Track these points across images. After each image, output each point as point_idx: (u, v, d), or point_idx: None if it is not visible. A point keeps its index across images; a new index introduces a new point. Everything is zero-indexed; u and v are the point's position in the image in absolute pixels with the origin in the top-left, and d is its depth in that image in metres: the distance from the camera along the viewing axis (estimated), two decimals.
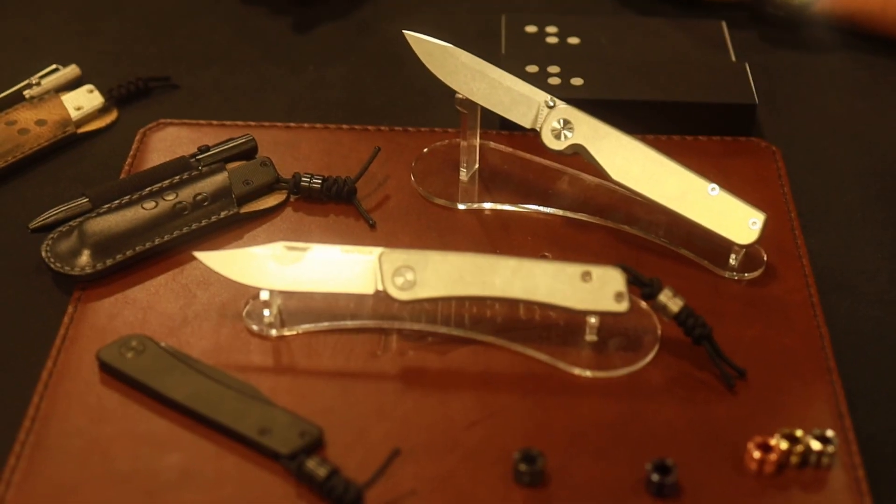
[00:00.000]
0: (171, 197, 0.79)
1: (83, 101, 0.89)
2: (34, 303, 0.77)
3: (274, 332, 0.74)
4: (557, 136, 0.79)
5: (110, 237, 0.77)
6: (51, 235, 0.77)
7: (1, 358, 0.74)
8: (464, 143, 0.83)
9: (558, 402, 0.71)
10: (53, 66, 0.91)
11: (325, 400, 0.71)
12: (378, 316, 0.74)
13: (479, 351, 0.73)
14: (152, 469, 0.67)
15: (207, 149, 0.83)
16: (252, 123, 0.90)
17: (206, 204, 0.79)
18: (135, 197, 0.79)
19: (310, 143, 0.88)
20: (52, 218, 0.79)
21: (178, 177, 0.81)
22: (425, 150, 0.87)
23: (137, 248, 0.77)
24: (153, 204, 0.79)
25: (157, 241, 0.78)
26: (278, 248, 0.73)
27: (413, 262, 0.72)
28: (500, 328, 0.74)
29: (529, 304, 0.73)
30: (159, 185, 0.80)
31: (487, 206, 0.83)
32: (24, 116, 0.87)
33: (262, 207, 0.81)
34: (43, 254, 0.76)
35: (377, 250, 0.72)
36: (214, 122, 0.90)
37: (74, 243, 0.77)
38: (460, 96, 0.81)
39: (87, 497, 0.66)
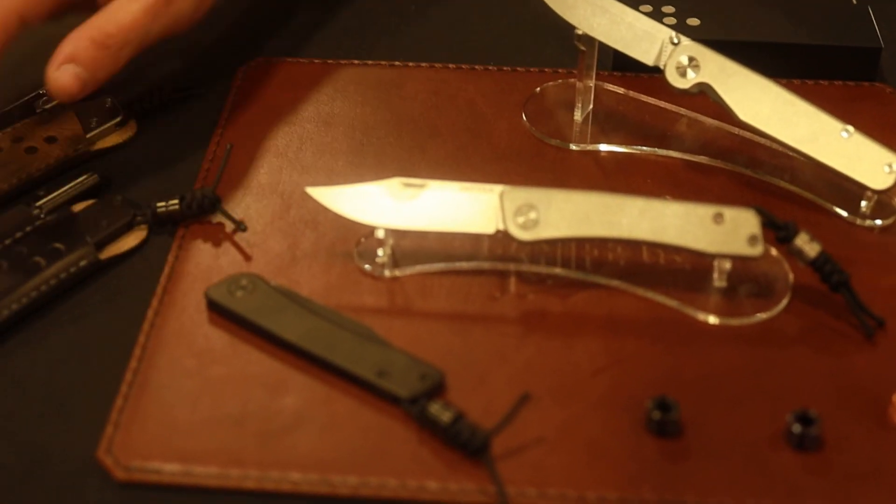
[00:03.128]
0: (19, 255, 0.70)
1: (98, 115, 0.79)
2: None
3: (387, 273, 0.71)
4: (683, 74, 0.75)
5: None
6: None
7: (105, 297, 0.71)
8: (580, 83, 0.79)
9: (688, 349, 0.67)
10: None
11: (443, 343, 0.67)
12: (495, 257, 0.71)
13: (602, 295, 0.70)
14: (264, 412, 0.64)
15: (47, 192, 0.75)
16: (356, 62, 0.86)
17: (61, 256, 0.70)
18: None
19: (415, 83, 0.85)
20: None
21: (21, 230, 0.72)
22: (537, 89, 0.83)
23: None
24: (3, 264, 0.70)
25: (13, 308, 0.68)
26: (394, 184, 0.70)
27: (536, 200, 0.68)
28: (622, 272, 0.71)
29: (655, 247, 0.69)
30: (5, 241, 0.71)
31: (603, 147, 0.79)
32: (33, 133, 0.78)
33: (124, 249, 0.72)
34: None
35: (498, 188, 0.69)
36: (317, 61, 0.86)
37: None
38: (579, 32, 0.77)
39: (196, 440, 0.63)
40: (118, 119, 0.79)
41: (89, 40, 0.74)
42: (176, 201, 0.74)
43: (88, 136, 0.78)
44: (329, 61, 0.87)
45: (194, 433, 0.64)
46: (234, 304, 0.68)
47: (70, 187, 0.76)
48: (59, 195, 0.75)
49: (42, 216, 0.74)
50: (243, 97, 0.83)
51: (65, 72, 0.74)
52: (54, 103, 0.78)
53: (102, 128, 0.79)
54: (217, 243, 0.73)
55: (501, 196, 0.69)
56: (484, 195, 0.69)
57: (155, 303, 0.70)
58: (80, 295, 0.71)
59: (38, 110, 0.78)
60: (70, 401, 0.66)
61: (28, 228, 0.73)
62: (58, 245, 0.71)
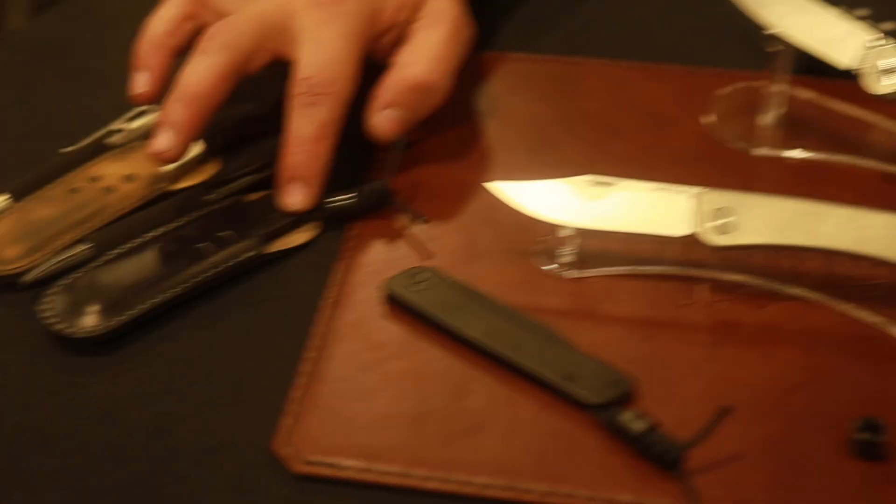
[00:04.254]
0: (187, 238, 0.69)
1: None
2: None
3: (570, 274, 0.68)
4: (885, 78, 0.71)
5: (122, 290, 0.66)
6: (49, 291, 0.66)
7: (276, 286, 0.69)
8: (770, 86, 0.76)
9: (892, 369, 0.63)
10: (140, 109, 0.77)
11: (630, 350, 0.65)
12: (684, 262, 0.68)
13: (797, 307, 0.66)
14: (446, 411, 0.62)
15: (221, 181, 0.73)
16: (528, 56, 0.84)
17: (228, 244, 0.69)
18: (145, 240, 0.69)
19: (592, 80, 0.82)
20: (50, 270, 0.67)
21: (190, 214, 0.70)
22: (722, 91, 0.80)
23: (157, 300, 0.66)
24: (168, 248, 0.68)
25: (178, 291, 0.66)
26: (583, 181, 0.67)
27: (735, 204, 0.65)
28: (819, 283, 0.67)
29: (857, 259, 0.66)
30: (171, 224, 0.70)
31: (792, 153, 0.75)
32: (110, 171, 0.73)
33: (292, 245, 0.70)
34: (42, 314, 0.65)
35: (693, 189, 0.66)
36: (488, 53, 0.84)
37: (78, 299, 0.65)
38: (770, 32, 0.73)
39: (376, 436, 0.61)
40: (199, 154, 0.75)
41: (410, 85, 0.73)
42: (352, 195, 0.72)
43: (169, 172, 0.73)
44: (501, 54, 0.84)
45: (374, 429, 0.61)
46: (414, 298, 0.66)
47: (245, 175, 0.74)
48: (235, 183, 0.74)
49: (213, 202, 0.72)
50: None
51: (385, 117, 0.73)
52: (128, 138, 0.75)
53: (184, 163, 0.73)
54: (393, 237, 0.71)
55: (698, 198, 0.66)
56: (678, 196, 0.66)
57: (332, 294, 0.68)
58: (250, 282, 0.69)
59: (110, 147, 0.75)
60: (243, 388, 0.64)
61: (197, 214, 0.71)
62: (226, 234, 0.70)
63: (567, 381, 0.62)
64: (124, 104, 0.77)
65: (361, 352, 0.65)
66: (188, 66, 0.71)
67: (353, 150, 0.76)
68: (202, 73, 0.70)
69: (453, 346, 0.65)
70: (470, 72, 0.82)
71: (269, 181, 0.74)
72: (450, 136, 0.78)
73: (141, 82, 0.73)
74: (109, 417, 0.63)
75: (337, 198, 0.71)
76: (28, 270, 0.68)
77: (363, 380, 0.64)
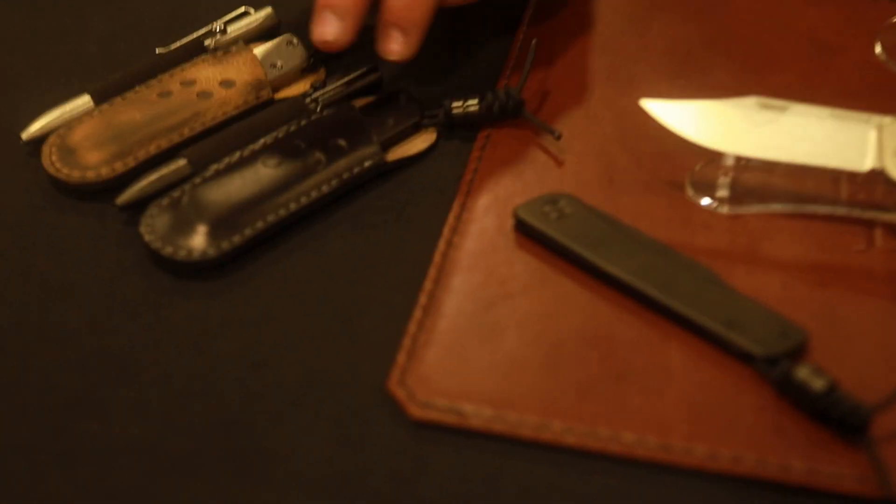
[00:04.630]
0: (296, 149, 0.61)
1: (282, 56, 0.66)
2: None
3: (726, 209, 0.59)
4: None
5: (231, 208, 0.59)
6: (148, 212, 0.58)
7: (391, 205, 0.61)
8: None
9: None
10: (243, 9, 0.68)
11: (798, 297, 0.56)
12: (861, 203, 0.59)
13: None
14: (583, 358, 0.54)
15: (323, 84, 0.65)
16: None
17: (343, 154, 0.61)
18: (247, 153, 0.61)
19: (744, 2, 0.73)
20: (145, 188, 0.59)
21: (296, 122, 0.62)
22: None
23: (269, 219, 0.59)
24: (276, 160, 0.61)
25: (292, 207, 0.59)
26: (750, 103, 0.58)
27: None
28: None
29: None
30: (274, 134, 0.62)
31: None
32: (206, 75, 0.65)
33: (411, 153, 0.63)
34: (145, 236, 0.58)
35: (877, 118, 0.57)
36: None
37: (183, 220, 0.58)
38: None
39: (504, 382, 0.53)
40: (306, 61, 0.66)
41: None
42: (474, 101, 0.63)
43: (271, 79, 0.65)
44: None
45: (500, 373, 0.53)
46: (549, 228, 0.58)
47: (353, 79, 0.66)
48: (340, 87, 0.65)
49: (318, 109, 0.64)
50: (547, 4, 0.72)
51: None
52: (228, 41, 0.67)
53: (286, 70, 0.66)
54: (522, 154, 0.63)
55: (882, 128, 0.56)
56: (860, 125, 0.57)
57: (451, 218, 0.60)
58: (361, 201, 0.61)
59: (209, 49, 0.66)
60: (352, 319, 0.56)
61: (304, 122, 0.62)
62: (339, 141, 0.61)
63: (728, 328, 0.53)
64: (221, 4, 0.69)
65: (486, 285, 0.57)
66: None
67: (478, 53, 0.67)
68: None
69: (592, 283, 0.56)
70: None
71: (377, 85, 0.65)
72: (586, 51, 0.69)
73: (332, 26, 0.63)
74: (199, 347, 0.55)
75: (460, 103, 0.63)
76: (115, 182, 0.61)
77: (488, 316, 0.55)
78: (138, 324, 0.56)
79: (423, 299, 0.56)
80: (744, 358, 0.53)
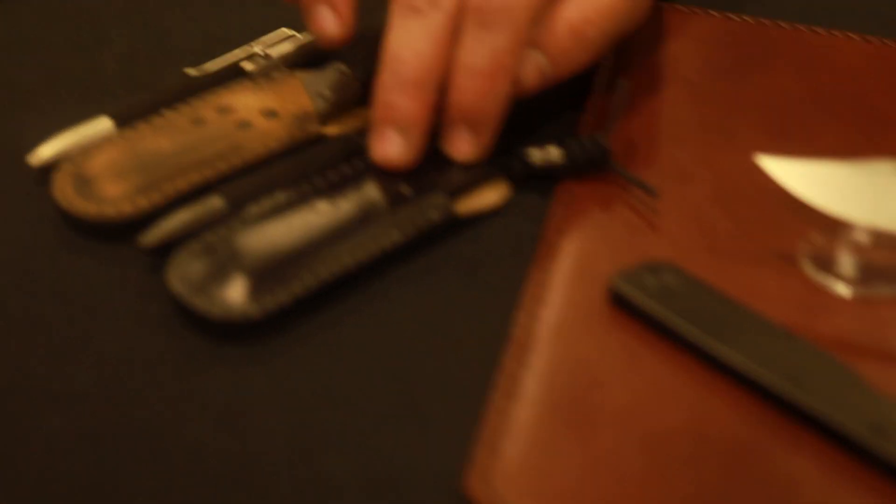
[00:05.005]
0: (352, 193, 0.53)
1: (331, 86, 0.57)
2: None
3: (852, 291, 0.51)
4: None
5: (276, 258, 0.50)
6: (177, 257, 0.49)
7: (459, 265, 0.52)
8: None
9: None
10: (288, 33, 0.61)
11: None
12: None
13: None
14: (691, 464, 0.45)
15: None
16: (766, 21, 0.67)
17: (405, 202, 0.53)
18: (294, 195, 0.52)
19: (847, 55, 0.65)
20: (174, 229, 0.50)
21: (350, 163, 0.54)
22: None
23: (321, 274, 0.50)
24: (328, 205, 0.52)
25: (347, 262, 0.50)
26: (887, 169, 0.50)
27: None
28: None
29: None
30: (326, 175, 0.53)
31: None
32: (246, 102, 0.56)
33: (482, 206, 0.54)
34: (174, 287, 0.49)
35: None
36: (716, 13, 0.67)
37: (218, 269, 0.49)
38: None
39: (604, 483, 0.44)
40: (358, 93, 0.58)
41: (567, 27, 0.55)
42: (556, 150, 0.55)
43: (319, 111, 0.57)
44: (735, 17, 0.67)
45: (596, 475, 0.45)
46: (652, 303, 0.49)
47: None
48: None
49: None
50: (635, 43, 0.64)
51: (526, 61, 0.54)
52: (270, 66, 0.58)
53: (336, 103, 0.57)
54: (608, 213, 0.54)
55: None
56: None
57: (532, 286, 0.51)
58: (425, 258, 0.52)
59: (251, 75, 0.58)
60: (419, 398, 0.48)
61: (359, 163, 0.54)
62: (401, 188, 0.53)
63: (875, 434, 0.44)
64: (259, 24, 0.61)
65: (576, 367, 0.48)
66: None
67: (552, 96, 0.59)
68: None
69: (703, 371, 0.48)
70: (696, 32, 0.65)
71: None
72: (672, 96, 0.61)
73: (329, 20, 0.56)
74: (235, 425, 0.46)
75: (539, 151, 0.54)
76: (138, 220, 0.51)
77: (579, 405, 0.47)
78: (162, 393, 0.47)
79: (502, 381, 0.47)
80: (893, 472, 0.44)
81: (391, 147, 0.53)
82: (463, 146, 0.54)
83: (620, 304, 0.50)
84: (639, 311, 0.49)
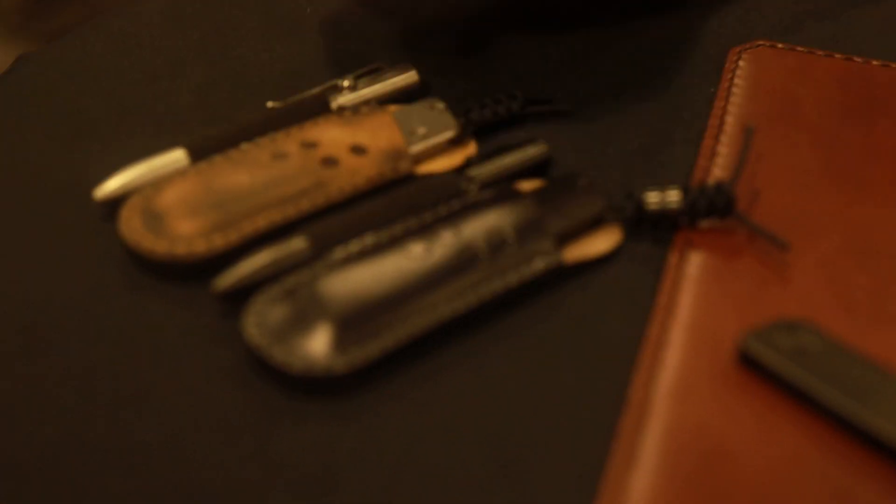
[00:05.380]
0: (449, 237, 0.48)
1: (425, 122, 0.53)
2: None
3: None
4: None
5: (365, 307, 0.45)
6: (254, 303, 0.45)
7: (567, 316, 0.47)
8: None
9: None
10: (376, 64, 0.56)
11: None
12: None
13: None
14: None
15: (479, 160, 0.52)
16: (893, 66, 0.61)
17: (508, 249, 0.47)
18: (385, 238, 0.47)
19: None
20: (252, 272, 0.46)
21: (447, 205, 0.49)
22: None
23: (415, 325, 0.45)
24: (422, 249, 0.47)
25: (444, 312, 0.45)
26: None
27: None
28: None
29: None
30: (420, 217, 0.48)
31: None
32: (332, 137, 0.51)
33: (592, 253, 0.49)
34: (249, 336, 0.44)
35: None
36: (840, 56, 0.61)
37: (300, 318, 0.44)
38: None
39: None
40: (455, 130, 0.53)
41: None
42: (675, 194, 0.49)
43: (412, 150, 0.52)
44: (859, 60, 0.61)
45: None
46: (789, 367, 0.43)
47: (516, 156, 0.52)
48: (502, 165, 0.51)
49: (474, 189, 0.50)
50: (745, 85, 0.59)
51: None
52: (359, 100, 0.54)
53: (430, 140, 0.53)
54: (732, 266, 0.49)
55: None
56: None
57: (651, 345, 0.45)
58: (530, 309, 0.47)
59: (338, 110, 0.53)
60: (525, 465, 0.42)
61: (457, 205, 0.49)
62: (504, 233, 0.47)
63: None
64: (346, 60, 0.56)
65: (701, 435, 0.42)
66: None
67: (663, 136, 0.54)
68: None
69: (848, 446, 0.42)
70: (817, 75, 0.60)
71: (545, 164, 0.52)
72: (794, 142, 0.55)
73: None
74: (317, 489, 0.40)
75: (656, 194, 0.49)
76: (213, 261, 0.47)
77: (705, 478, 0.41)
78: (234, 454, 0.41)
79: (619, 449, 0.41)
80: None
81: None
82: None
83: (750, 365, 0.44)
84: (772, 373, 0.43)
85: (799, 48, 0.62)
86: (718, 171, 0.53)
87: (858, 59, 0.61)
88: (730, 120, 0.56)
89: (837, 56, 0.61)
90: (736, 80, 0.59)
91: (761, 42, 0.62)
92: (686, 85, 0.59)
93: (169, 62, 0.58)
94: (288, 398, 0.43)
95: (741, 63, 0.60)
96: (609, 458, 0.42)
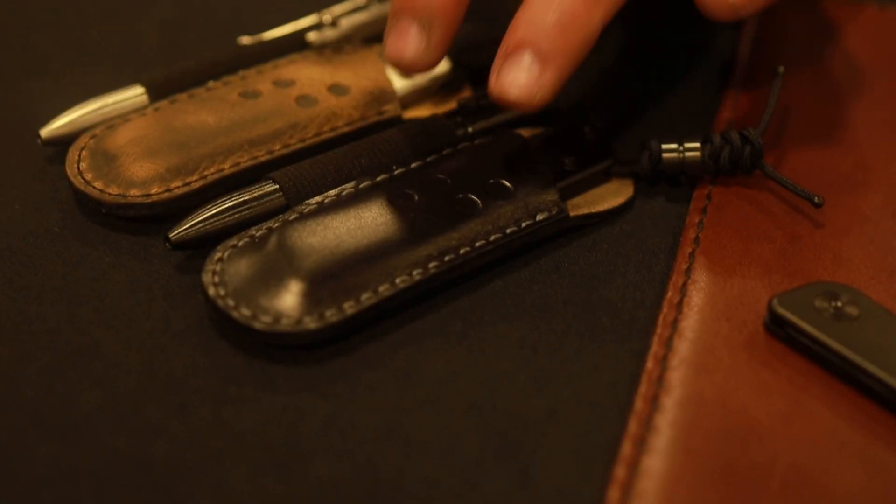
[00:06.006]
0: (440, 186, 0.42)
1: None
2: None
3: None
4: None
5: (342, 261, 0.39)
6: (215, 254, 0.39)
7: (574, 277, 0.41)
8: None
9: None
10: (363, 1, 0.50)
11: None
12: None
13: None
14: None
15: (475, 106, 0.46)
16: None
17: (507, 199, 0.42)
18: (365, 185, 0.41)
19: None
20: (214, 221, 0.40)
21: (437, 151, 0.43)
22: None
23: (398, 283, 0.39)
24: (409, 199, 0.41)
25: (431, 269, 0.40)
26: None
27: None
28: None
29: None
30: (407, 164, 0.43)
31: None
32: (309, 75, 0.46)
33: (600, 208, 0.43)
34: (209, 290, 0.38)
35: None
36: None
37: (268, 271, 0.39)
38: None
39: None
40: (448, 72, 0.47)
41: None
42: (695, 145, 0.44)
43: (399, 91, 0.46)
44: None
45: None
46: (826, 333, 0.38)
47: None
48: (494, 108, 0.46)
49: (471, 135, 0.44)
50: (770, 33, 0.53)
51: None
52: (341, 35, 0.47)
53: (420, 81, 0.47)
54: (759, 225, 0.43)
55: None
56: None
57: (667, 310, 0.40)
58: (530, 269, 0.42)
59: (313, 45, 0.48)
60: (522, 443, 0.37)
61: (449, 151, 0.43)
62: (503, 182, 0.42)
63: None
64: None
65: (725, 412, 0.37)
66: None
67: (682, 82, 0.48)
68: None
69: (893, 420, 0.36)
70: (856, 24, 0.54)
71: (548, 113, 0.46)
72: (831, 92, 0.50)
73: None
74: (285, 468, 0.35)
75: (674, 146, 0.43)
76: (170, 208, 0.41)
77: (731, 460, 0.36)
78: (189, 421, 0.36)
79: (633, 427, 0.36)
80: None
81: (408, 43, 0.41)
82: (522, 78, 0.40)
83: (779, 332, 0.39)
84: (804, 340, 0.38)
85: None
86: (742, 123, 0.47)
87: (894, 10, 0.55)
88: (753, 69, 0.51)
89: (869, 4, 0.56)
90: (759, 28, 0.54)
91: None
92: (703, 31, 0.53)
93: None
94: (250, 362, 0.38)
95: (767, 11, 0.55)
96: (621, 437, 0.36)
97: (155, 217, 0.41)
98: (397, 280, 0.39)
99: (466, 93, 0.48)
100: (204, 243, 0.40)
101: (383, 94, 0.46)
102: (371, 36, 0.49)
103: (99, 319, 0.39)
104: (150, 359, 0.38)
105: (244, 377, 0.37)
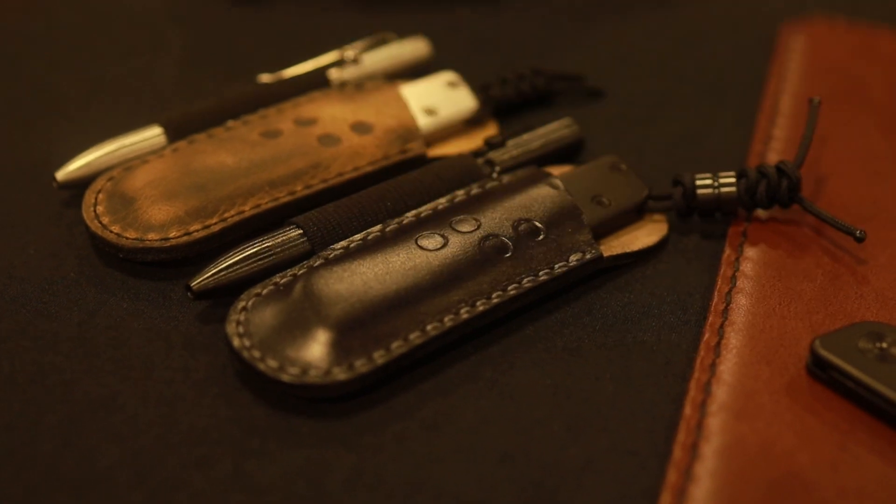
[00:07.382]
0: (467, 227, 0.40)
1: (439, 99, 0.46)
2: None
3: None
4: None
5: (371, 309, 0.37)
6: (240, 303, 0.38)
7: (620, 325, 0.40)
8: None
9: None
10: (382, 35, 0.49)
11: None
12: None
13: None
14: None
15: (502, 142, 0.44)
16: None
17: (539, 242, 0.40)
18: (392, 229, 0.40)
19: None
20: (236, 268, 0.39)
21: (465, 191, 0.42)
22: None
23: (429, 330, 0.38)
24: (437, 242, 0.40)
25: (463, 315, 0.38)
26: None
27: None
28: None
29: None
30: (434, 205, 0.41)
31: None
32: (332, 113, 0.45)
33: (634, 248, 0.42)
34: (233, 340, 0.37)
35: None
36: (884, 26, 0.54)
37: (294, 320, 0.37)
38: None
39: None
40: (473, 110, 0.46)
41: None
42: (730, 178, 0.42)
43: (423, 128, 0.45)
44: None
45: None
46: (873, 377, 0.36)
47: (544, 136, 0.45)
48: (529, 147, 0.44)
49: (497, 175, 0.43)
50: (801, 63, 0.52)
51: None
52: (363, 74, 0.47)
53: (445, 119, 0.46)
54: (799, 261, 0.42)
55: None
56: None
57: (704, 351, 0.38)
58: (562, 312, 0.41)
59: (335, 83, 0.47)
60: (559, 494, 0.34)
61: (476, 190, 0.42)
62: (534, 224, 0.40)
63: None
64: (344, 28, 0.50)
65: (766, 457, 0.36)
66: None
67: (712, 114, 0.47)
68: None
69: None
70: (878, 50, 0.53)
71: (576, 146, 0.45)
72: (863, 124, 0.49)
73: None
74: None
75: (709, 179, 0.42)
76: (189, 252, 0.40)
77: (778, 488, 0.34)
78: (211, 475, 0.34)
79: (672, 476, 0.35)
80: None
81: None
82: None
83: (823, 375, 0.37)
84: (849, 384, 0.37)
85: (863, 24, 0.55)
86: (775, 156, 0.46)
87: None
88: (785, 100, 0.49)
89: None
90: (791, 58, 0.52)
91: (817, 16, 0.55)
92: (732, 64, 0.52)
93: (149, 36, 0.51)
94: (272, 413, 0.36)
95: (795, 39, 0.53)
96: (660, 488, 0.35)
97: (174, 261, 0.40)
98: (428, 327, 0.38)
99: (492, 130, 0.47)
100: (227, 291, 0.39)
101: (407, 131, 0.45)
102: (394, 72, 0.48)
103: (117, 370, 0.37)
104: (170, 410, 0.36)
105: (267, 428, 0.36)
